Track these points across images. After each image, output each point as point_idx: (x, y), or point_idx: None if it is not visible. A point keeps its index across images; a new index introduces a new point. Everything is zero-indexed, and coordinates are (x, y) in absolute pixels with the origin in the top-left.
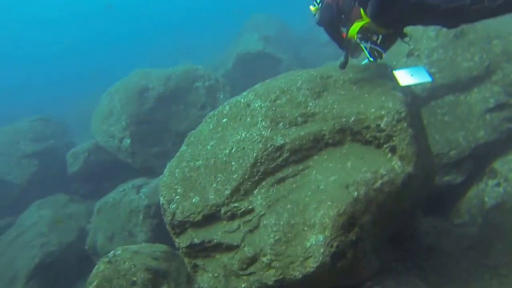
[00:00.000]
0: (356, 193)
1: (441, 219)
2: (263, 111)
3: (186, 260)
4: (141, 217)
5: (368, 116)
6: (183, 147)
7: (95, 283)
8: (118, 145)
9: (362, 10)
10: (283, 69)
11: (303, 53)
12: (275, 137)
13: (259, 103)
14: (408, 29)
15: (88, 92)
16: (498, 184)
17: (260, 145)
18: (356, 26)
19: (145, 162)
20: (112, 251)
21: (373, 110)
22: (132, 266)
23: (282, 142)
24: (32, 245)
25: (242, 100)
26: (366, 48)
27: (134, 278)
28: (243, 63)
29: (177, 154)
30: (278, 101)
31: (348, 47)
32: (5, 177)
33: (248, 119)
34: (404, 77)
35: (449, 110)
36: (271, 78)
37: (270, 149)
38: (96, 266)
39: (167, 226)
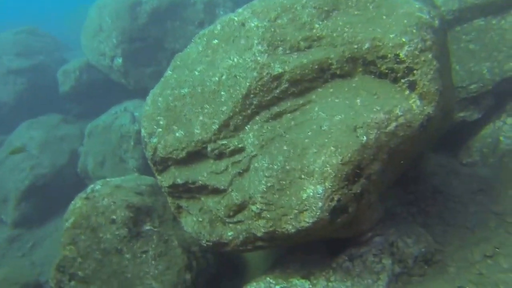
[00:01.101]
0: (365, 138)
1: (449, 157)
2: (260, 32)
3: (169, 199)
4: (132, 143)
5: (385, 44)
6: (168, 72)
7: (71, 220)
8: (110, 64)
9: None
10: None
11: None
12: (272, 64)
13: (256, 23)
14: None
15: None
16: None
17: (255, 73)
18: None
19: (139, 82)
20: (92, 185)
21: (392, 36)
22: (112, 203)
23: (280, 70)
24: (22, 168)
25: (236, 18)
26: None
27: (114, 216)
28: None
29: (162, 79)
30: (279, 21)
31: None
32: None
33: (242, 42)
34: None
35: (476, 36)
36: None
37: (266, 78)
38: (72, 202)
39: (149, 162)
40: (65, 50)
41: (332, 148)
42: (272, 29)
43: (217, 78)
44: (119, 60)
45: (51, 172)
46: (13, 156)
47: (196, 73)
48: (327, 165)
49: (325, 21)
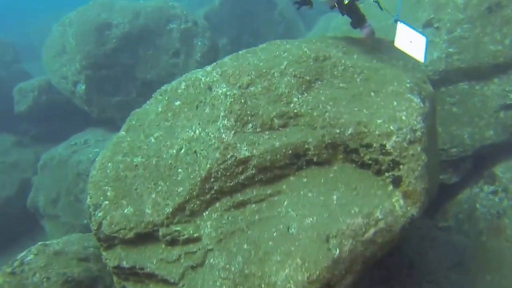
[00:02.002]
0: (337, 251)
1: (425, 219)
2: (228, 103)
3: (114, 278)
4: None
5: (371, 131)
6: (122, 132)
7: None
8: (72, 89)
9: None
10: (277, 16)
11: None
12: (238, 145)
13: (224, 89)
14: None
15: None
16: (495, 192)
17: (217, 154)
18: None
19: (104, 112)
20: (22, 254)
21: (379, 121)
22: (45, 279)
23: (247, 154)
24: None
25: (203, 78)
26: None
27: None
28: (232, 0)
29: (114, 140)
30: (252, 88)
31: None
32: None
33: (207, 110)
34: (403, 38)
35: (460, 100)
36: (247, 50)
37: (230, 161)
38: None
39: (93, 235)
40: (29, 59)
41: (298, 260)
42: (243, 100)
43: (175, 151)
44: (82, 87)
45: None
46: None
47: (153, 140)
48: (291, 281)
49: (306, 94)
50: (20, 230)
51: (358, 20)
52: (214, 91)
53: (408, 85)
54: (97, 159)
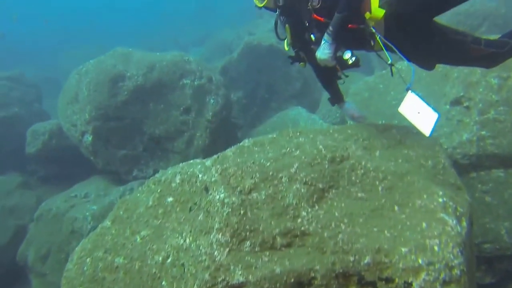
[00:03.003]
0: None
1: None
2: (225, 213)
3: None
4: None
5: (393, 261)
6: (107, 222)
7: None
8: (80, 138)
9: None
10: (294, 72)
11: None
12: (232, 267)
13: (222, 195)
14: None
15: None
16: None
17: (207, 275)
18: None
19: (108, 164)
20: None
21: (404, 250)
22: None
23: (241, 279)
24: None
25: (200, 176)
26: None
27: None
28: (251, 54)
29: (97, 229)
30: (255, 195)
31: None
32: None
33: (201, 217)
34: (410, 107)
35: (494, 188)
36: (255, 141)
37: (220, 285)
38: None
39: None
40: (54, 95)
41: None
42: (242, 211)
43: (160, 259)
44: (89, 138)
45: None
46: None
47: (138, 239)
48: None
49: (316, 207)
50: (6, 282)
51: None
52: (210, 194)
53: (440, 199)
54: (76, 249)
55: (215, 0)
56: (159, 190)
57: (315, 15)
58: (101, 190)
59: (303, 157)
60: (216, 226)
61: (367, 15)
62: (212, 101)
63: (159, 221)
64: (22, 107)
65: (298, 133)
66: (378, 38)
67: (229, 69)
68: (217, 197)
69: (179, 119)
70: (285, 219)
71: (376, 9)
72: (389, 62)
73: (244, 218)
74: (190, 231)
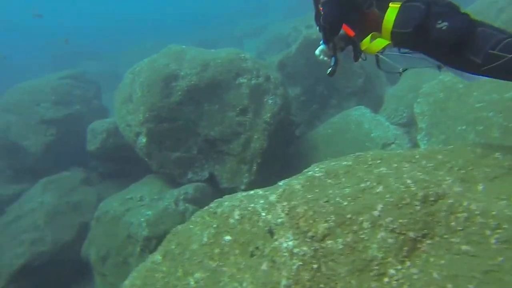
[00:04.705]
0: None
1: None
2: (295, 266)
3: None
4: (138, 249)
5: None
6: (157, 256)
7: None
8: (134, 139)
9: (388, 17)
10: (357, 68)
11: None
12: None
13: (291, 243)
14: None
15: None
16: None
17: None
18: (381, 43)
19: (163, 167)
20: None
21: None
22: None
23: None
24: (22, 240)
25: (263, 214)
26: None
27: None
28: (309, 49)
29: (148, 263)
30: (329, 243)
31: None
32: (22, 141)
33: (265, 266)
34: None
35: None
36: (327, 169)
37: None
38: None
39: None
40: (109, 92)
41: None
42: (315, 265)
43: None
44: (143, 140)
45: (52, 250)
46: (19, 222)
47: (192, 282)
48: None
49: (408, 264)
50: (74, 276)
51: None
52: (276, 240)
53: None
54: (125, 283)
55: None
56: (215, 225)
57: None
58: (155, 194)
59: (387, 196)
60: (284, 282)
61: (363, 46)
62: (270, 101)
63: (215, 264)
64: (83, 104)
65: (378, 161)
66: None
67: (286, 64)
68: (285, 244)
69: (235, 120)
70: (368, 278)
71: (386, 33)
72: (400, 70)
73: (318, 274)
74: (252, 283)
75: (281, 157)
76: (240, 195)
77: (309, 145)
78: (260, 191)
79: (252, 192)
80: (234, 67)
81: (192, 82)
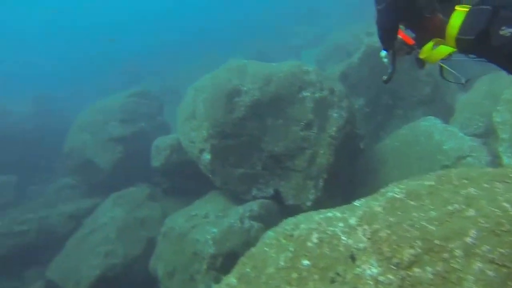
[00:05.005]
0: None
1: None
2: None
3: None
4: (204, 267)
5: None
6: (232, 279)
7: None
8: (198, 155)
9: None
10: (422, 76)
11: None
12: None
13: (376, 270)
14: None
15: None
16: None
17: None
18: (444, 50)
19: (226, 183)
20: None
21: None
22: None
23: None
24: (98, 252)
25: (344, 238)
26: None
27: None
28: (373, 57)
29: (222, 285)
30: (417, 271)
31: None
32: (94, 158)
33: None
34: None
35: None
36: (408, 190)
37: None
38: None
39: None
40: (171, 106)
41: None
42: None
43: None
44: (207, 157)
45: (123, 263)
46: (94, 235)
47: None
48: None
49: None
50: None
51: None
52: (358, 266)
53: None
54: None
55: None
56: (291, 249)
57: None
58: (220, 210)
59: (481, 221)
60: None
61: (423, 53)
62: (335, 115)
63: None
64: (148, 121)
65: (465, 181)
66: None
67: (349, 74)
68: (368, 271)
69: (299, 135)
70: None
71: (450, 39)
72: (463, 81)
73: None
74: None
75: (347, 172)
76: (317, 216)
77: (375, 159)
78: (337, 213)
79: (329, 213)
80: (297, 81)
81: (255, 97)
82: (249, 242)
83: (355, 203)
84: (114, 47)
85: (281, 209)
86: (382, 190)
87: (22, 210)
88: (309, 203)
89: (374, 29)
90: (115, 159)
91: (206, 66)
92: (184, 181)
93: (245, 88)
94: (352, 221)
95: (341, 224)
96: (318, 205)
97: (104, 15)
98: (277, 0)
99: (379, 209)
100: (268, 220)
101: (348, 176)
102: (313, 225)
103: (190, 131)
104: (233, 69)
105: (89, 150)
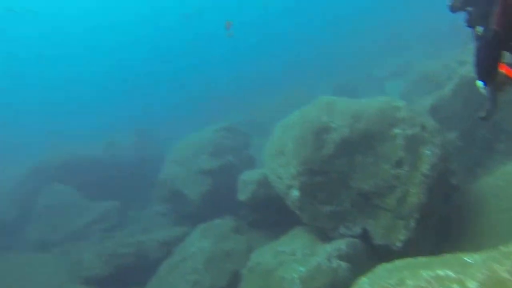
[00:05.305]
0: None
1: None
2: None
3: None
4: None
5: None
6: None
7: None
8: (286, 192)
9: None
10: None
11: None
12: None
13: None
14: None
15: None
16: None
17: None
18: None
19: (314, 220)
20: None
21: None
22: None
23: None
24: (187, 279)
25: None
26: None
27: None
28: (468, 88)
29: None
30: None
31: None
32: (183, 189)
33: None
34: None
35: None
36: None
37: None
38: None
39: None
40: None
41: None
42: None
43: None
44: (296, 194)
45: None
46: (184, 263)
47: None
48: None
49: None
50: None
51: None
52: None
53: None
54: None
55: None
56: None
57: None
58: (307, 248)
59: None
60: None
61: None
62: (427, 152)
63: None
64: (234, 155)
65: None
66: None
67: (440, 107)
68: None
69: (390, 173)
70: None
71: None
72: None
73: None
74: None
75: (440, 212)
76: (425, 273)
77: (473, 199)
78: (450, 272)
79: (439, 271)
80: (387, 118)
81: (345, 134)
82: (336, 282)
83: (466, 259)
84: (204, 83)
85: (368, 249)
86: (504, 249)
87: (124, 234)
88: (399, 244)
89: (467, 57)
90: (204, 191)
91: (291, 99)
92: (269, 216)
93: (334, 125)
94: (472, 285)
95: (456, 287)
96: (409, 246)
97: (195, 55)
98: (359, 31)
99: (505, 275)
100: (356, 260)
101: (442, 217)
102: (422, 283)
103: (278, 167)
104: (322, 106)
105: (180, 182)
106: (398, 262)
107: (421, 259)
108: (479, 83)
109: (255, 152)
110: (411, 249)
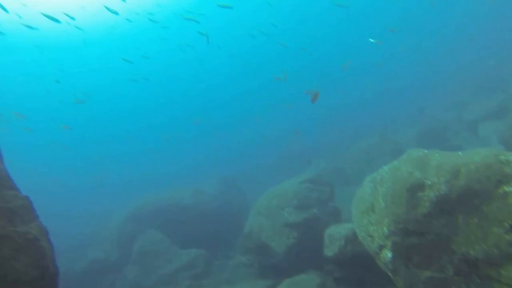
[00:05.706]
0: None
1: None
2: None
3: None
4: None
5: None
6: None
7: None
8: (377, 252)
9: None
10: None
11: None
12: None
13: None
14: None
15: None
16: None
17: None
18: None
19: (411, 286)
20: None
21: None
22: None
23: None
24: None
25: None
26: None
27: None
28: None
29: None
30: None
31: None
32: (270, 242)
33: None
34: None
35: None
36: None
37: None
38: None
39: None
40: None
41: None
42: None
43: None
44: (388, 255)
45: None
46: None
47: None
48: None
49: None
50: None
51: None
52: None
53: None
54: None
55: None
56: None
57: None
58: None
59: None
60: None
61: None
62: None
63: None
64: (319, 207)
65: None
66: None
67: None
68: None
69: (503, 239)
70: None
71: None
72: None
73: None
74: None
75: None
76: None
77: None
78: None
79: None
80: (494, 173)
81: (442, 192)
82: None
83: None
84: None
85: None
86: None
87: (210, 283)
88: None
89: None
90: (290, 244)
91: (373, 147)
92: (357, 273)
93: (429, 182)
94: None
95: None
96: None
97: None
98: (447, 71)
99: None
100: None
101: None
102: None
103: (368, 225)
104: (414, 161)
105: (265, 234)
106: None
107: None
108: None
109: (339, 201)
110: None
